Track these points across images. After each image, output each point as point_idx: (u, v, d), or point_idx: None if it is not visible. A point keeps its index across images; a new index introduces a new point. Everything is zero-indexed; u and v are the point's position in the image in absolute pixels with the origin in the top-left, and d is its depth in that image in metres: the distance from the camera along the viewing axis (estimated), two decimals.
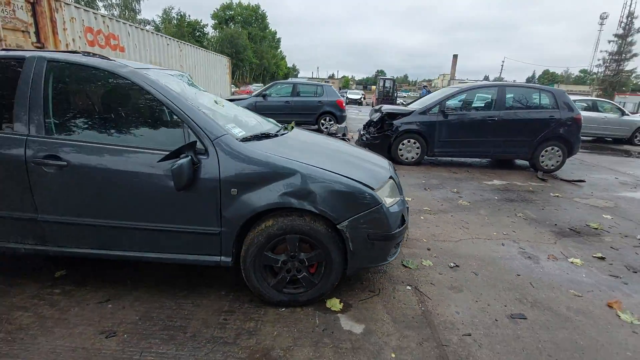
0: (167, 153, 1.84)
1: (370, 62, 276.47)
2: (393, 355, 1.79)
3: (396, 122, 6.25)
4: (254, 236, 1.96)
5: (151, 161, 1.88)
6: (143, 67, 2.16)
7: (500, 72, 54.42)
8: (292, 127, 2.81)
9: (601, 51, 52.87)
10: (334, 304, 2.16)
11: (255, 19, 51.18)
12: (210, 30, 44.27)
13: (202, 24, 42.21)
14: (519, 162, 7.15)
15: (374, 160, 2.56)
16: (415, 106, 6.85)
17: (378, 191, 2.06)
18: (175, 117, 1.96)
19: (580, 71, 73.45)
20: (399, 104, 23.00)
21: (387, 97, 23.06)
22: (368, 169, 2.27)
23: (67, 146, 1.89)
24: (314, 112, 10.10)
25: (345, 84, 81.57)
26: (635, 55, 48.52)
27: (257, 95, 9.77)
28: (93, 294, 2.17)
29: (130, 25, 9.23)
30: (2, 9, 5.94)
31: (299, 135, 2.63)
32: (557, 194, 5.00)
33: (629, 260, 3.01)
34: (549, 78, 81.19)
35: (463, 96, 6.49)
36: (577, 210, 4.35)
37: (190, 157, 1.81)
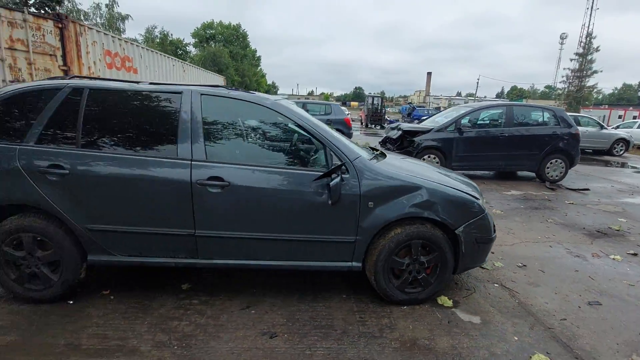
0: (320, 173, 2.18)
1: (347, 79, 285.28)
2: (515, 338, 2.16)
3: (417, 139, 6.78)
4: (385, 243, 2.30)
5: (302, 180, 2.20)
6: (276, 99, 2.50)
7: (476, 90, 57.69)
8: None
9: (564, 68, 57.22)
10: (445, 300, 2.51)
11: (237, 38, 52.07)
12: (192, 49, 44.57)
13: (184, 42, 42.43)
14: (520, 173, 7.85)
15: (458, 175, 2.98)
16: (429, 124, 7.44)
17: (480, 200, 2.47)
18: (316, 141, 2.30)
19: (545, 87, 78.90)
20: (387, 120, 24.06)
21: (375, 113, 24.01)
22: (464, 182, 2.68)
23: (227, 169, 2.18)
24: None
25: (325, 100, 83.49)
26: (595, 72, 53.03)
27: None
28: (230, 302, 2.41)
29: (142, 47, 9.45)
30: (33, 34, 6.07)
31: (393, 156, 2.99)
32: (571, 202, 5.63)
33: None
34: (517, 93, 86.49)
35: (475, 115, 7.15)
36: (594, 215, 4.96)
37: (340, 176, 2.16)
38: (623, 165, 10.83)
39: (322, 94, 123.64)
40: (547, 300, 2.61)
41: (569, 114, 7.68)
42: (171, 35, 39.28)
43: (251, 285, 2.64)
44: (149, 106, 2.28)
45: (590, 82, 55.30)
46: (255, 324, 2.18)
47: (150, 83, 2.45)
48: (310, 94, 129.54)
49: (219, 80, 17.40)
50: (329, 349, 1.98)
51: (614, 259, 3.43)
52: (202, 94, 2.28)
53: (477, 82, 58.04)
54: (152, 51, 10.02)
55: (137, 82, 2.43)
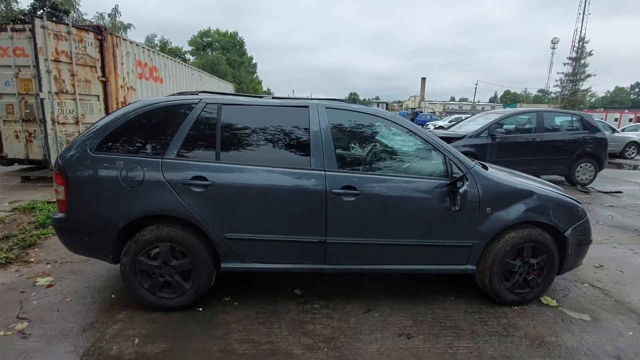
0: (443, 181, 2.34)
1: (341, 84, 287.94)
2: (630, 333, 2.31)
3: (453, 145, 6.98)
4: (500, 246, 2.45)
5: (426, 187, 2.35)
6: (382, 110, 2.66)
7: (475, 95, 58.93)
8: None
9: (558, 72, 58.60)
10: (549, 300, 2.66)
11: (233, 45, 52.50)
12: (190, 57, 44.78)
13: (183, 50, 42.65)
14: (544, 177, 8.10)
15: (544, 180, 3.15)
16: (459, 131, 7.68)
17: (582, 205, 2.64)
18: (435, 151, 2.46)
19: (539, 91, 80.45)
20: None
21: None
22: (557, 187, 2.86)
23: (358, 178, 2.32)
24: None
25: None
26: (589, 75, 54.48)
27: None
28: (350, 306, 2.53)
29: (166, 57, 9.57)
30: (76, 46, 6.18)
31: (490, 165, 3.12)
32: (610, 204, 5.86)
33: None
34: (510, 98, 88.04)
35: (507, 121, 7.40)
36: (638, 216, 5.18)
37: (465, 184, 2.31)
38: (635, 167, 11.21)
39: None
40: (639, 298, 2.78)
41: None
42: (170, 43, 39.47)
43: (362, 289, 2.76)
44: (278, 119, 2.42)
45: (584, 85, 56.71)
46: (386, 326, 2.30)
47: (273, 97, 2.59)
48: None
49: (230, 87, 17.57)
50: (469, 348, 2.11)
51: None
52: (326, 107, 2.43)
53: (475, 87, 59.35)
54: (174, 60, 10.15)
55: (261, 97, 2.56)
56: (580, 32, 57.58)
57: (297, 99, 2.54)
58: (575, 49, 55.88)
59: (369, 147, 2.63)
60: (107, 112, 6.51)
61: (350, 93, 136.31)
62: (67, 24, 6.13)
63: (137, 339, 2.08)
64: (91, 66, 6.48)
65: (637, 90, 73.02)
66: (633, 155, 12.63)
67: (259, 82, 63.30)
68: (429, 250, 2.44)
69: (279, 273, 2.78)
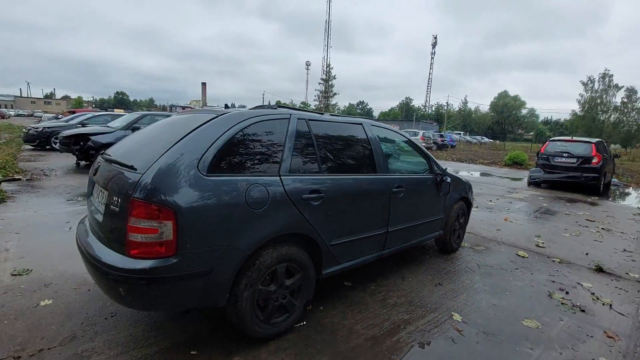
0: (437, 177, 3.49)
1: (100, 81, 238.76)
2: (502, 250, 4.33)
3: None
4: (454, 214, 3.87)
5: (429, 181, 3.42)
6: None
7: (263, 101, 64.98)
8: None
9: (315, 89, 74.66)
10: (464, 244, 4.38)
11: None
12: None
13: None
14: None
15: None
16: None
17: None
18: (423, 157, 3.55)
19: (302, 102, 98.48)
20: None
21: None
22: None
23: (401, 178, 3.07)
24: None
25: (78, 104, 67.47)
26: (335, 94, 72.67)
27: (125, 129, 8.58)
28: (390, 279, 3.23)
29: None
30: None
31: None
32: None
33: None
34: None
35: None
36: None
37: (447, 178, 3.56)
38: None
39: (66, 97, 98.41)
40: None
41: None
42: None
43: (379, 270, 3.48)
44: (346, 133, 2.79)
45: (333, 101, 75.11)
46: (424, 282, 3.22)
47: (331, 114, 2.86)
48: (49, 96, 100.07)
49: None
50: (438, 273, 3.39)
51: None
52: (371, 125, 3.03)
53: (263, 96, 65.49)
54: None
55: (322, 113, 2.77)
56: (327, 59, 75.35)
57: (351, 117, 2.99)
58: (324, 72, 73.10)
59: (396, 155, 3.41)
60: None
61: (117, 92, 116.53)
62: None
63: None
64: None
65: (360, 107, 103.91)
66: None
67: None
68: (428, 225, 3.54)
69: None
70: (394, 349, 2.23)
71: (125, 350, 2.07)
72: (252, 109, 2.57)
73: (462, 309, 2.78)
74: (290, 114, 2.42)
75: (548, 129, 74.71)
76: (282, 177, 2.19)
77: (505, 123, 75.28)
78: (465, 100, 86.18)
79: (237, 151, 2.06)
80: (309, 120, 2.52)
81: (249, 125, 2.16)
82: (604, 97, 38.64)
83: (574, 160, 9.16)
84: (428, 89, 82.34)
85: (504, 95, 74.27)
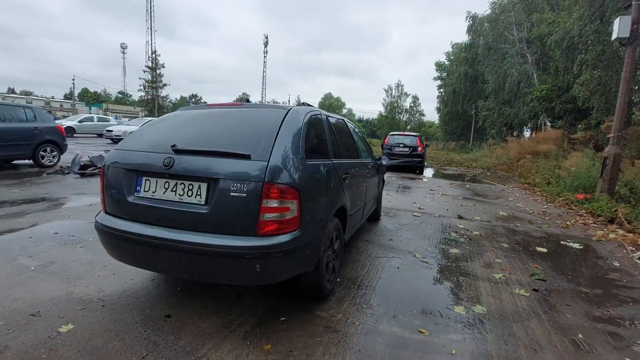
0: (374, 160, 4.60)
1: None
2: (414, 215, 5.95)
3: None
4: (380, 190, 5.13)
5: (371, 164, 4.50)
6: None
7: (73, 87, 52.23)
8: None
9: (140, 78, 65.49)
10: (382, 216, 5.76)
11: None
12: None
13: None
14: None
15: None
16: None
17: None
18: (365, 145, 4.59)
19: (119, 92, 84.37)
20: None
21: None
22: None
23: (367, 162, 4.00)
24: (31, 142, 7.84)
25: None
26: (165, 84, 65.83)
27: None
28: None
29: None
30: None
31: None
32: None
33: None
34: (92, 97, 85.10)
35: None
36: None
37: (383, 161, 4.73)
38: None
39: None
40: None
41: None
42: None
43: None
44: (339, 128, 3.45)
45: (163, 92, 67.86)
46: (390, 241, 4.29)
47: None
48: None
49: None
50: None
51: None
52: (347, 120, 3.81)
53: (73, 82, 52.28)
54: None
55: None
56: (152, 44, 67.06)
57: (337, 115, 3.65)
58: (149, 59, 64.89)
59: (360, 144, 4.25)
60: None
61: None
62: None
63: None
64: None
65: (193, 100, 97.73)
66: None
67: None
68: (377, 198, 4.63)
69: None
70: (380, 265, 3.20)
71: (225, 331, 2.19)
72: (272, 103, 2.92)
73: (398, 241, 4.01)
74: (320, 111, 2.95)
75: (362, 125, 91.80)
76: (333, 161, 2.75)
77: None
78: (299, 99, 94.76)
79: (311, 140, 2.50)
80: (327, 117, 3.11)
81: (310, 119, 2.60)
82: (399, 101, 51.31)
83: (407, 149, 12.47)
84: (263, 86, 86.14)
85: (329, 96, 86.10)
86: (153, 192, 2.19)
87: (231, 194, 2.01)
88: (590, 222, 5.94)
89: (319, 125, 2.81)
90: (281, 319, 2.40)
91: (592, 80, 9.09)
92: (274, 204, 2.00)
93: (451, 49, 36.54)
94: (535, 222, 5.89)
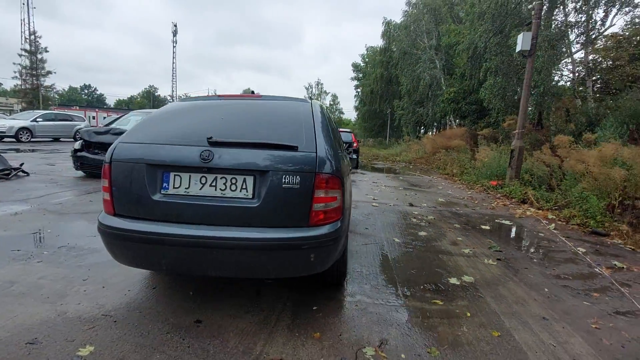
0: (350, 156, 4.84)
1: None
2: (374, 206, 6.33)
3: None
4: None
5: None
6: None
7: None
8: None
9: (15, 64, 54.37)
10: None
11: None
12: None
13: None
14: None
15: None
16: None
17: None
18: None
19: None
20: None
21: None
22: None
23: (346, 157, 4.19)
24: None
25: None
26: (50, 72, 55.95)
27: None
28: None
29: None
30: None
31: None
32: None
33: None
34: None
35: None
36: None
37: (351, 156, 4.97)
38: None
39: None
40: None
41: None
42: None
43: None
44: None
45: (47, 81, 57.65)
46: (358, 228, 4.55)
47: None
48: None
49: None
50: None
51: None
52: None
53: None
54: None
55: None
56: (29, 24, 56.38)
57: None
58: (28, 41, 54.26)
59: None
60: None
61: None
62: None
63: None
64: None
65: (86, 91, 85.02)
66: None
67: None
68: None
69: None
70: (370, 252, 3.50)
71: (268, 326, 2.17)
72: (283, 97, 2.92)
73: (373, 229, 4.38)
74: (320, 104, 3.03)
75: None
76: (341, 152, 2.87)
77: None
78: (215, 94, 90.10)
79: (332, 132, 2.59)
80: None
81: (324, 111, 2.68)
82: (319, 99, 52.86)
83: (344, 145, 13.07)
84: (173, 78, 79.47)
85: (248, 92, 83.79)
86: (186, 189, 2.03)
87: (283, 186, 2.00)
88: (508, 203, 7.17)
89: (330, 118, 2.91)
90: (313, 308, 2.46)
91: (495, 85, 10.88)
92: (323, 194, 2.06)
93: (366, 52, 39.19)
94: (469, 205, 6.86)
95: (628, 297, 2.94)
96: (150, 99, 74.90)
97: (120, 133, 7.28)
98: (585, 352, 2.12)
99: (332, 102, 54.69)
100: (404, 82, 23.71)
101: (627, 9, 10.65)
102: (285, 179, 2.00)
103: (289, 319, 2.30)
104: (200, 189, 2.03)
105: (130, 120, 8.82)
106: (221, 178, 2.03)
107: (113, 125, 7.95)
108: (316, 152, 2.09)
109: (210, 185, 2.03)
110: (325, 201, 2.07)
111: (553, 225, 5.38)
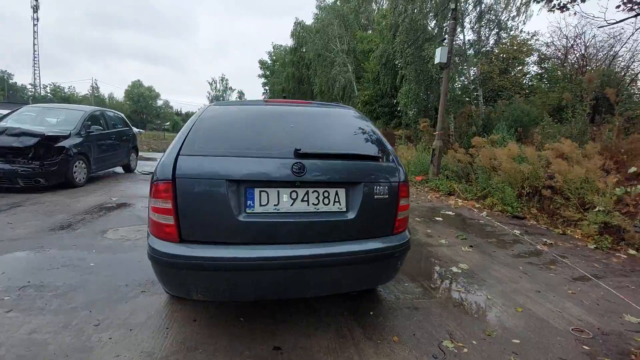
0: None
1: None
2: None
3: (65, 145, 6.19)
4: None
5: None
6: None
7: None
8: None
9: None
10: None
11: None
12: None
13: None
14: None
15: None
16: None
17: None
18: None
19: None
20: None
21: None
22: None
23: None
24: None
25: None
26: None
27: None
28: None
29: None
30: None
31: None
32: None
33: None
34: None
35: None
36: None
37: None
38: None
39: None
40: None
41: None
42: None
43: None
44: None
45: None
46: None
47: None
48: None
49: None
50: None
51: None
52: None
53: None
54: None
55: None
56: None
57: None
58: None
59: None
60: None
61: None
62: None
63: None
64: None
65: None
66: None
67: None
68: None
69: None
70: None
71: (347, 340, 2.18)
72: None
73: None
74: None
75: (181, 119, 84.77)
76: None
77: (143, 113, 76.49)
78: (96, 84, 77.52)
79: None
80: None
81: None
82: (224, 95, 50.47)
83: None
84: (35, 63, 65.02)
85: (137, 84, 74.55)
86: (275, 205, 1.88)
87: (375, 197, 2.02)
88: (438, 196, 8.25)
89: None
90: (370, 313, 2.54)
91: (410, 91, 12.28)
92: (404, 202, 2.16)
93: (273, 50, 39.14)
94: (411, 200, 7.67)
95: (571, 266, 3.81)
96: (4, 88, 60.07)
97: (22, 134, 5.86)
98: (580, 313, 2.72)
99: (238, 99, 52.86)
100: (316, 82, 24.47)
101: (495, 30, 13.32)
102: (376, 189, 2.04)
103: (360, 329, 2.33)
104: (292, 205, 1.91)
105: (26, 117, 7.11)
106: (313, 192, 1.95)
107: (7, 125, 6.27)
108: (396, 162, 2.18)
109: (302, 201, 1.93)
110: (405, 209, 2.18)
111: (485, 212, 6.45)
